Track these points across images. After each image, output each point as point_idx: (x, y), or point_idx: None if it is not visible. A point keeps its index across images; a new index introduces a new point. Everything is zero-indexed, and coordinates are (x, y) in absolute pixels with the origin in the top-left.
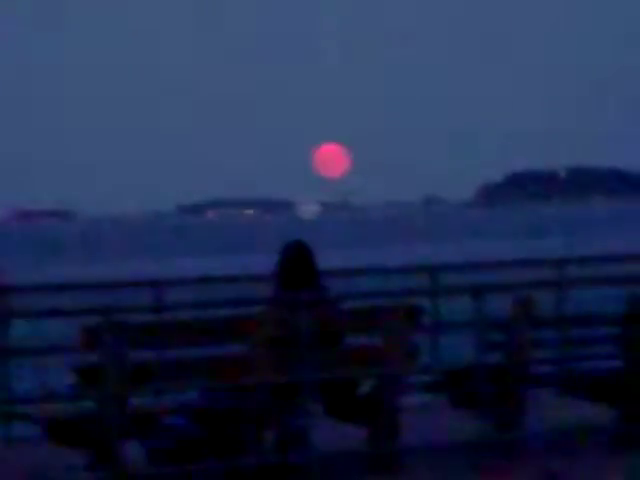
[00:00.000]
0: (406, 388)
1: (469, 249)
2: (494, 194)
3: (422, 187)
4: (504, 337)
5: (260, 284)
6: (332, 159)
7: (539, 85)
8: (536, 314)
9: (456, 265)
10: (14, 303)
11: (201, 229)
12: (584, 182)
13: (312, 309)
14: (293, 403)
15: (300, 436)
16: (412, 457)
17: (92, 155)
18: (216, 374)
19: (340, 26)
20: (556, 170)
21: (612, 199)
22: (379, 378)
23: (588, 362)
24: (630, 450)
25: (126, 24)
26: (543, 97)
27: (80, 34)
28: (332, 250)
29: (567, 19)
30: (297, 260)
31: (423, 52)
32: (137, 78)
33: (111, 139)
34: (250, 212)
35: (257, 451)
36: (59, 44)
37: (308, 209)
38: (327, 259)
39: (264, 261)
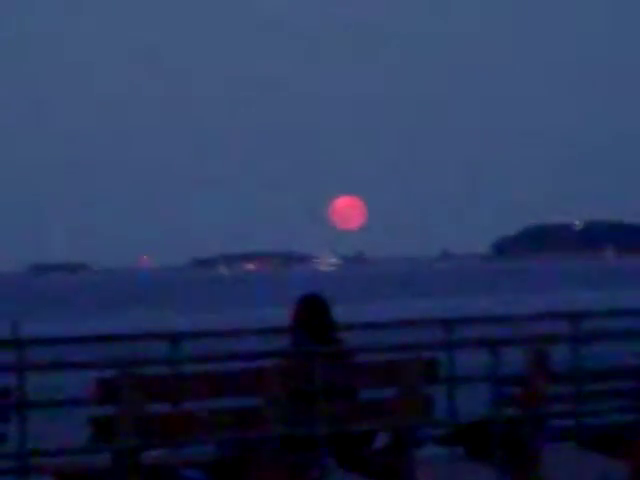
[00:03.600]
0: (422, 441)
1: (484, 303)
2: (508, 248)
3: (437, 242)
4: (520, 390)
5: (277, 337)
6: (348, 212)
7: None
8: (551, 368)
9: (471, 318)
10: (29, 356)
11: (216, 283)
12: (598, 235)
13: (327, 362)
14: (308, 456)
15: None
16: None
17: (104, 208)
18: (232, 427)
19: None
20: (571, 223)
21: (625, 253)
22: (394, 431)
23: (604, 416)
24: None
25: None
26: (556, 154)
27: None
28: (349, 304)
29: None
30: (313, 313)
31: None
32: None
33: (120, 191)
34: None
35: None
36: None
37: (328, 262)
38: (344, 312)
39: (281, 314)
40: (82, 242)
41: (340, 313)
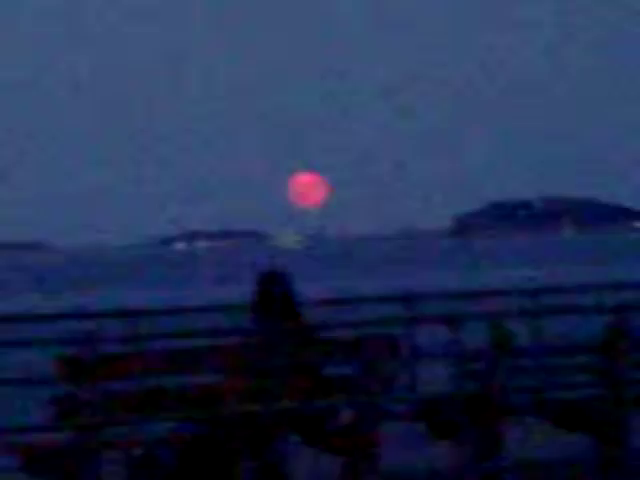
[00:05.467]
0: (384, 417)
1: (445, 279)
2: (469, 224)
3: (398, 219)
4: (481, 366)
5: (238, 314)
6: (308, 189)
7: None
8: (512, 343)
9: (432, 294)
10: None
11: (177, 260)
12: (557, 211)
13: (289, 338)
14: (271, 433)
15: (278, 466)
16: None
17: (64, 186)
18: (192, 404)
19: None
20: (531, 200)
21: (584, 229)
22: (357, 407)
23: (564, 391)
24: (608, 479)
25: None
26: (518, 128)
27: None
28: (310, 281)
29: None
30: (274, 289)
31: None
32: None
33: (84, 168)
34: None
35: None
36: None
37: (289, 239)
38: (305, 289)
39: (242, 291)
40: (40, 221)
41: (302, 290)
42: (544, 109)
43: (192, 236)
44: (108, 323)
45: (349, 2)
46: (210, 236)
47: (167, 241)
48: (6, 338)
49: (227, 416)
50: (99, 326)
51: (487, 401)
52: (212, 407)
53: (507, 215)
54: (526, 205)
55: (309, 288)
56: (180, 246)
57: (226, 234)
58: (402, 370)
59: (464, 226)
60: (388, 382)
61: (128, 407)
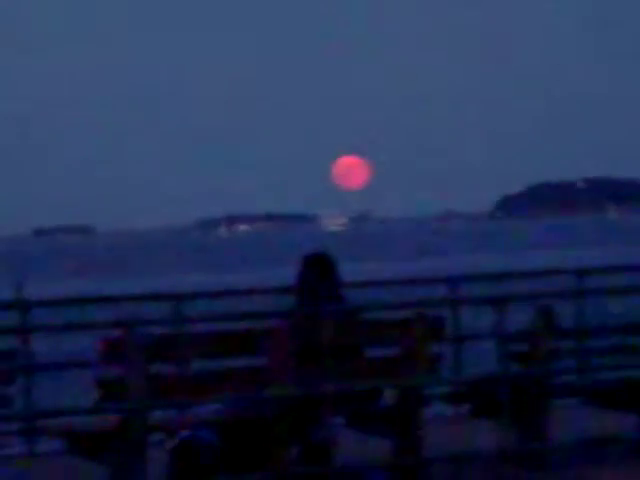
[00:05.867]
0: (428, 399)
1: (488, 260)
2: (513, 206)
3: (442, 200)
4: (525, 348)
5: (282, 296)
6: (352, 171)
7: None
8: (557, 324)
9: (476, 276)
10: (34, 318)
11: (222, 243)
12: (601, 193)
13: (334, 320)
14: (315, 416)
15: (323, 448)
16: (436, 468)
17: (108, 170)
18: (237, 387)
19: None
20: (575, 181)
21: (627, 210)
22: (401, 389)
23: (610, 372)
24: None
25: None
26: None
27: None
28: (355, 262)
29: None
30: (319, 271)
31: (441, 59)
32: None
33: (125, 153)
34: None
35: (281, 464)
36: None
37: (332, 222)
38: (350, 271)
39: (287, 273)
40: (86, 205)
41: (346, 272)
42: (583, 94)
43: (232, 220)
44: (153, 306)
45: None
46: (251, 219)
47: (207, 224)
48: (53, 322)
49: (273, 398)
50: (143, 309)
51: (532, 382)
52: (258, 389)
53: (549, 197)
54: (569, 186)
55: (354, 270)
56: (222, 230)
57: (268, 217)
58: (447, 352)
59: (507, 208)
60: (432, 363)
61: (175, 390)
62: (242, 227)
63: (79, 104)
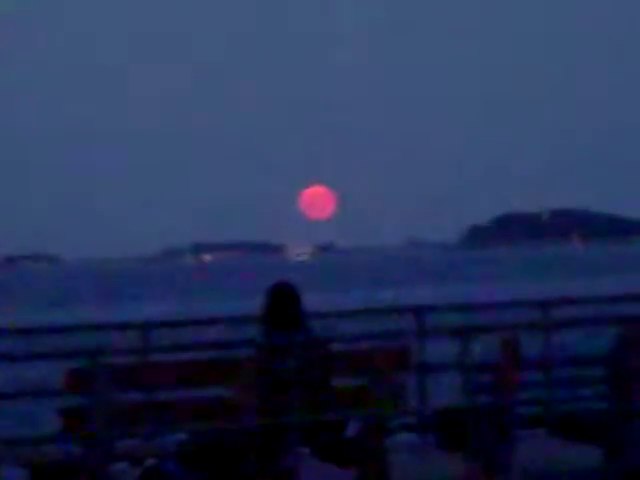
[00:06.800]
0: (393, 429)
1: (454, 291)
2: (479, 236)
3: (406, 230)
4: (491, 378)
5: (248, 326)
6: (318, 201)
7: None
8: (522, 355)
9: (442, 306)
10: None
11: (186, 272)
12: (566, 224)
13: (298, 351)
14: (281, 446)
15: (288, 478)
16: None
17: (74, 199)
18: (203, 416)
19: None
20: (540, 212)
21: (592, 241)
22: (366, 419)
23: (575, 403)
24: None
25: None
26: (529, 141)
27: None
28: (319, 293)
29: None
30: (283, 302)
31: (416, 87)
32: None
33: (91, 181)
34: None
35: None
36: None
37: (298, 251)
38: (315, 301)
39: (252, 304)
40: (52, 233)
41: (311, 302)
42: (550, 125)
43: (198, 249)
44: (118, 336)
45: None
46: (218, 247)
47: (173, 253)
48: (16, 351)
49: (237, 429)
50: (109, 339)
51: (497, 413)
52: (222, 420)
53: (514, 228)
54: (535, 217)
55: (319, 300)
56: (188, 259)
57: (231, 246)
58: (411, 382)
59: (472, 238)
60: (398, 394)
61: (140, 419)
62: (208, 256)
63: (45, 135)
